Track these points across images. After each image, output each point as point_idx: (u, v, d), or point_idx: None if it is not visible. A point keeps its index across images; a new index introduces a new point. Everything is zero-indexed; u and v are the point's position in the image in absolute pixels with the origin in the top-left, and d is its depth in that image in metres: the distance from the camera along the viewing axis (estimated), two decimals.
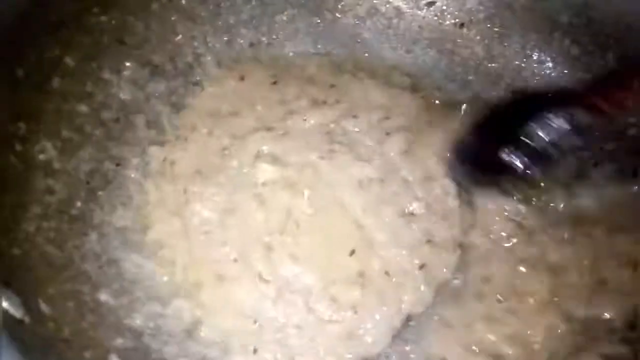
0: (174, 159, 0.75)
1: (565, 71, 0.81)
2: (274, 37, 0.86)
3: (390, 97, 0.81)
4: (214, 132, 0.77)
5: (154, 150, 0.75)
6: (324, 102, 0.79)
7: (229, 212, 0.71)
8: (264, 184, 0.72)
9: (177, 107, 0.79)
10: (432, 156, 0.75)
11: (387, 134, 0.76)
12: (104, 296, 0.63)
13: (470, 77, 0.86)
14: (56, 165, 0.67)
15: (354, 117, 0.77)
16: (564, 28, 0.80)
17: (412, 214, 0.72)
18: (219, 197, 0.72)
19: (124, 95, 0.76)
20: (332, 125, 0.77)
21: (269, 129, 0.76)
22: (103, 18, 0.73)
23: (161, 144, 0.76)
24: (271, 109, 0.79)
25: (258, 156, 0.74)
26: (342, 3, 0.87)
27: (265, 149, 0.74)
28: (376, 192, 0.72)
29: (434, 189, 0.74)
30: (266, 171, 0.72)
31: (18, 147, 0.64)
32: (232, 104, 0.80)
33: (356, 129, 0.77)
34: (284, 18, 0.86)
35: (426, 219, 0.71)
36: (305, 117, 0.77)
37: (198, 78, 0.81)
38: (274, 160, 0.73)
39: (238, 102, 0.80)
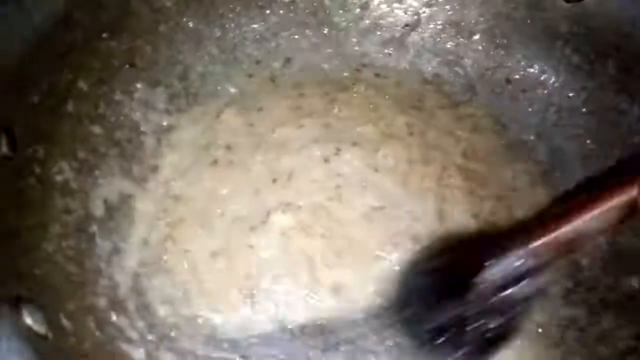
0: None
1: (569, 79, 0.82)
2: (280, 54, 0.87)
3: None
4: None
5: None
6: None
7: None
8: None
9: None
10: None
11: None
12: (121, 310, 0.65)
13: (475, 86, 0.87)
14: (73, 185, 0.69)
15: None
16: (564, 37, 0.81)
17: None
18: None
19: (136, 115, 0.79)
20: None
21: None
22: (112, 43, 0.75)
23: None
24: None
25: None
26: (345, 19, 0.88)
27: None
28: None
29: None
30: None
31: (37, 170, 0.65)
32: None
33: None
34: (289, 36, 0.88)
35: None
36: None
37: (205, 97, 0.83)
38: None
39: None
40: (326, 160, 0.77)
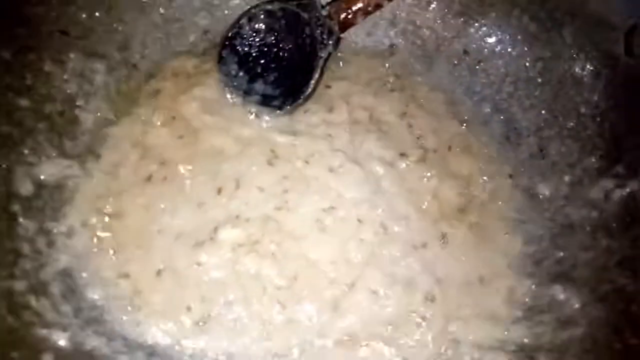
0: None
1: (525, 49, 0.80)
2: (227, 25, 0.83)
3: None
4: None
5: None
6: None
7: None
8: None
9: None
10: None
11: None
12: (43, 294, 0.61)
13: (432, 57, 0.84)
14: None
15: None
16: (521, 5, 0.80)
17: None
18: None
19: (70, 87, 0.74)
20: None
21: None
22: (40, 9, 0.70)
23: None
24: None
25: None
26: None
27: None
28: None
29: None
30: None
31: None
32: None
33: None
34: (238, 3, 0.83)
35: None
36: None
37: (146, 68, 0.79)
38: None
39: None
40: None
